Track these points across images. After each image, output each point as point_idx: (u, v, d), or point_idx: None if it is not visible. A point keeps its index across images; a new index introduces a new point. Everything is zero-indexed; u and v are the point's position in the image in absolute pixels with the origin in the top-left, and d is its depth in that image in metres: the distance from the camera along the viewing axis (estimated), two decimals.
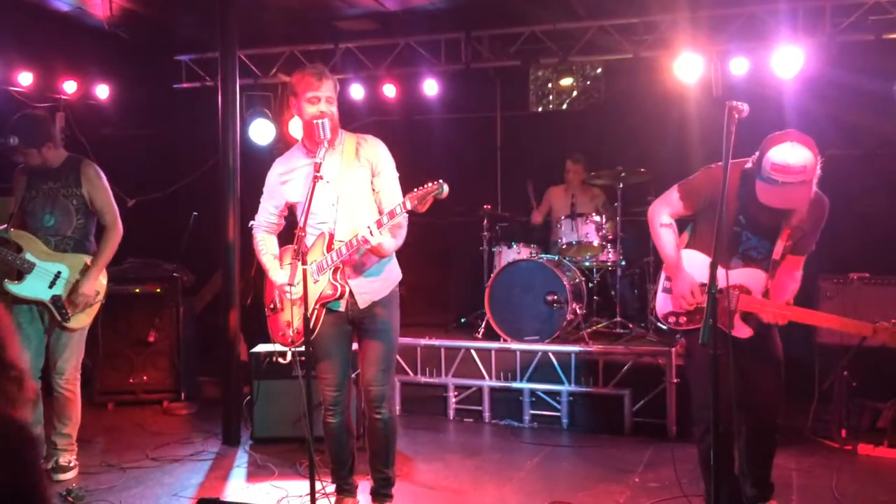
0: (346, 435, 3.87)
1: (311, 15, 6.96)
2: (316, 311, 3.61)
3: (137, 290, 6.33)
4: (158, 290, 6.38)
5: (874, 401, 5.34)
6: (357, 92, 7.48)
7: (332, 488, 4.03)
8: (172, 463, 4.91)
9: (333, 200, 3.61)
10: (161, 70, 7.84)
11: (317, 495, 3.50)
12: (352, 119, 8.06)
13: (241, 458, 5.05)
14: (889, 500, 4.22)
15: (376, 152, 3.71)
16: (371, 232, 3.42)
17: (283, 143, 7.59)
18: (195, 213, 6.82)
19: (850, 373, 5.12)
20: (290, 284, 3.45)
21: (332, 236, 3.61)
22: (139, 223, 6.29)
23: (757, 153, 3.30)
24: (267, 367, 5.30)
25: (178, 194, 7.90)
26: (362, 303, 3.67)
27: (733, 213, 3.44)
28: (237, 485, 4.57)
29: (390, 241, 3.55)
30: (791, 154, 3.14)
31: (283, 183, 3.76)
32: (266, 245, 3.86)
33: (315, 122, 3.50)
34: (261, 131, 7.31)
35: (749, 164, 3.36)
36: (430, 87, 7.20)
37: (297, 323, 3.62)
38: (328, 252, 3.58)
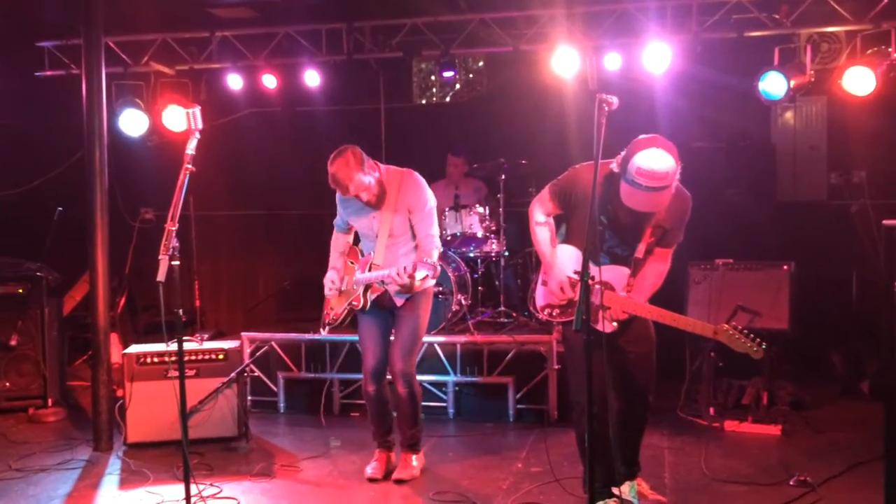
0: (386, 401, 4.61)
1: (185, 1, 6.69)
2: None
3: None
4: (21, 291, 6.02)
5: (739, 379, 5.69)
6: (235, 82, 7.22)
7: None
8: (38, 473, 4.65)
9: None
10: (22, 57, 7.34)
11: (193, 499, 3.41)
12: (230, 111, 7.85)
13: (114, 465, 4.83)
14: (752, 472, 4.48)
15: None
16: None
17: (156, 135, 7.27)
18: (60, 209, 6.44)
19: (716, 354, 5.41)
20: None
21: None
22: None
23: (623, 154, 3.42)
24: (141, 369, 5.08)
25: (42, 189, 7.45)
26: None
27: (597, 213, 3.55)
28: (109, 492, 4.37)
29: None
30: (657, 160, 3.30)
31: None
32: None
33: None
34: (132, 122, 6.99)
35: (614, 166, 3.47)
36: (312, 78, 7.05)
37: (339, 310, 4.51)
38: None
